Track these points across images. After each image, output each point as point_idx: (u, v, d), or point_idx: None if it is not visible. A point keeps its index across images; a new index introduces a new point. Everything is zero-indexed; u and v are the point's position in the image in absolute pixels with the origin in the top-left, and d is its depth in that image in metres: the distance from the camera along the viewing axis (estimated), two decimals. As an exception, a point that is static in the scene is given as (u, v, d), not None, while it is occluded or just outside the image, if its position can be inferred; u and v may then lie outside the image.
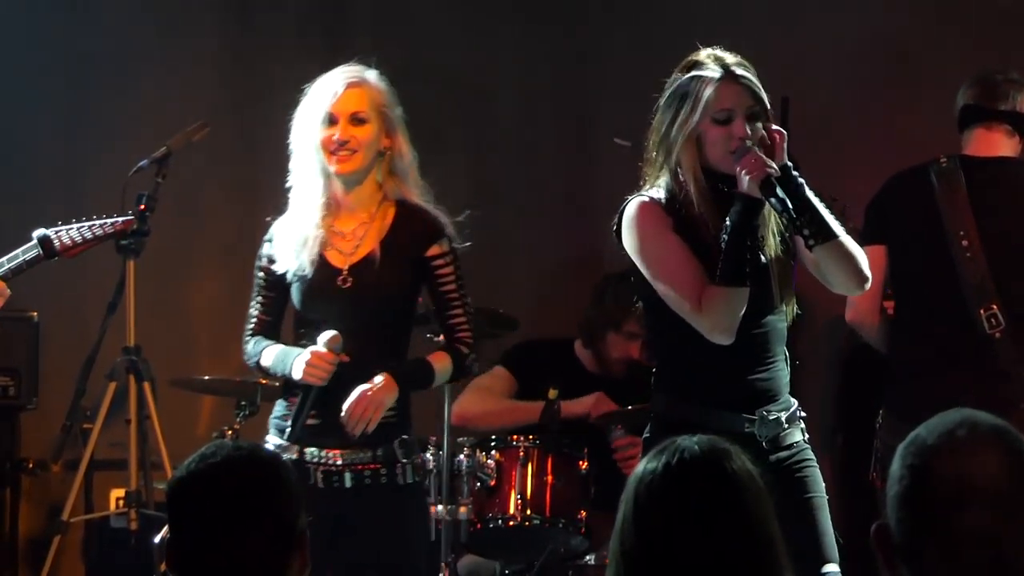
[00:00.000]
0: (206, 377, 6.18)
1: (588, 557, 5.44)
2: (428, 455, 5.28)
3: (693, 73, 4.04)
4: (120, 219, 5.01)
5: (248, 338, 4.64)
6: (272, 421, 4.63)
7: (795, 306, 4.13)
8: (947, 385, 4.97)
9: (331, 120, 4.53)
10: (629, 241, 4.09)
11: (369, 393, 4.41)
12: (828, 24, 6.31)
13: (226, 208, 6.73)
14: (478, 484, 5.30)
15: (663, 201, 4.07)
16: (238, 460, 2.54)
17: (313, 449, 4.48)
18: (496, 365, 6.11)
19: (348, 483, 4.48)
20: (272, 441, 4.58)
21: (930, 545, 2.16)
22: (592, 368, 6.19)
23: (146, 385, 5.69)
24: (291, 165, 4.62)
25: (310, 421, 4.51)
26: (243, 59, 6.58)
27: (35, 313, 6.14)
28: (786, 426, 4.07)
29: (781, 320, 4.11)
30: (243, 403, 5.68)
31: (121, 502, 6.21)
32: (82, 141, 6.55)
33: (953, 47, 6.35)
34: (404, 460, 4.51)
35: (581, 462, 5.39)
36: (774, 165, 3.91)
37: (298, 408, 4.52)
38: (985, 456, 2.17)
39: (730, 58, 4.05)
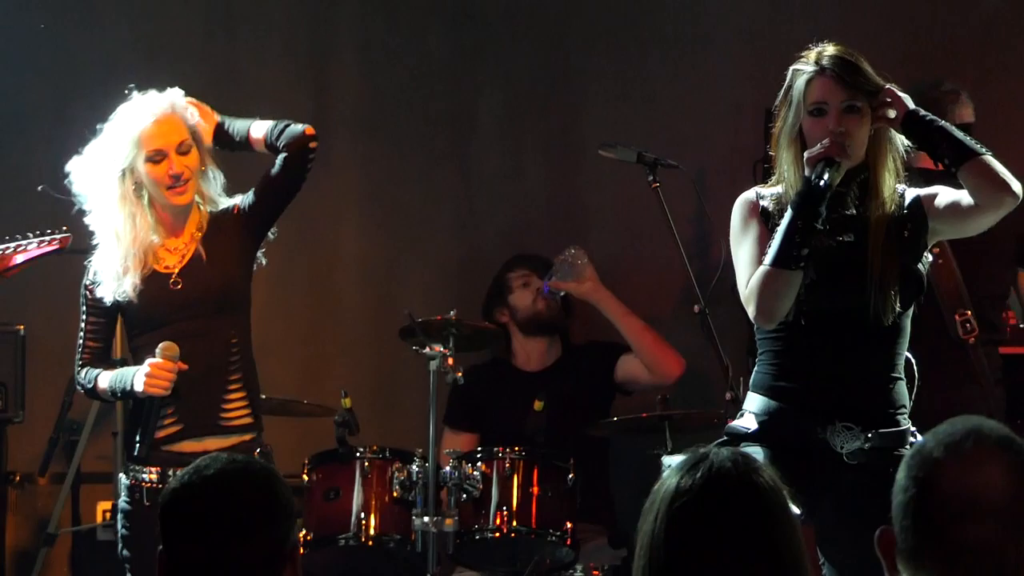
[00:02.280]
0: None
1: (574, 568, 5.45)
2: (415, 467, 5.30)
3: (792, 67, 4.08)
4: (58, 236, 4.98)
5: (79, 368, 4.71)
6: (123, 441, 4.68)
7: (895, 307, 4.00)
8: (922, 389, 5.01)
9: (160, 156, 4.57)
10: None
11: None
12: (802, 36, 6.33)
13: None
14: (464, 496, 5.31)
15: (766, 195, 4.10)
16: (231, 473, 2.56)
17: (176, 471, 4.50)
18: (444, 428, 6.06)
19: None
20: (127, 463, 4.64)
21: (933, 553, 2.18)
22: (529, 365, 6.25)
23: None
24: (102, 199, 4.62)
25: (171, 429, 4.56)
26: (228, 72, 6.59)
27: (21, 327, 6.14)
28: (866, 443, 4.00)
29: (883, 328, 4.02)
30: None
31: (108, 514, 6.21)
32: (68, 151, 6.55)
33: (930, 59, 6.39)
34: None
35: (567, 473, 5.40)
36: (846, 153, 3.91)
37: (144, 422, 4.55)
38: (991, 469, 2.17)
39: (830, 50, 4.04)
